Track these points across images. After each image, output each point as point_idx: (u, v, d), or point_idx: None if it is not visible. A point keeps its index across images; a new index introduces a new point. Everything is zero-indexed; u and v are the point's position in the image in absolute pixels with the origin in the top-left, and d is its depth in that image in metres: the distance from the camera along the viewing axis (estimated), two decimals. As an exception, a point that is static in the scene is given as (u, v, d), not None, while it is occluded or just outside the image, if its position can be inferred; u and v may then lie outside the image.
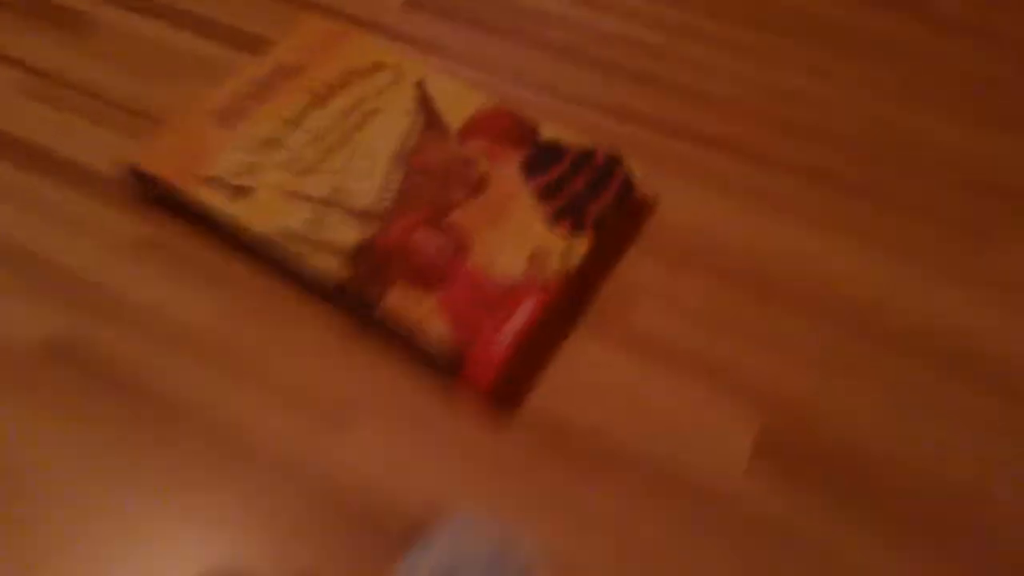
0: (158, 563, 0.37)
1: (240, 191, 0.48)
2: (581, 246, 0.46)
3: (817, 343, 0.46)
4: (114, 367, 0.43)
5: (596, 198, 0.48)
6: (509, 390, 0.43)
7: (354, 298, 0.44)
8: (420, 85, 0.54)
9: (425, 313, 0.43)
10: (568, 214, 0.47)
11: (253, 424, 0.42)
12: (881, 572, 0.38)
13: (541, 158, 0.50)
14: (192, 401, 0.42)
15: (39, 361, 0.43)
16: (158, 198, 0.50)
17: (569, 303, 0.47)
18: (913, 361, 0.45)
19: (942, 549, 0.39)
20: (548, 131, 0.52)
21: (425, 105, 0.53)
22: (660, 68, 0.60)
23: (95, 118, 0.54)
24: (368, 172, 0.49)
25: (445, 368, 0.43)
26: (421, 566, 0.34)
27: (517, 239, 0.46)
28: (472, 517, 0.36)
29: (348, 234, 0.46)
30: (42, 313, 0.45)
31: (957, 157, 0.55)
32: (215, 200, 0.47)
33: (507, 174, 0.49)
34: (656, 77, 0.59)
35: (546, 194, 0.48)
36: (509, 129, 0.52)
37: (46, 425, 0.41)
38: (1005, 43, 0.62)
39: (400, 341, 0.44)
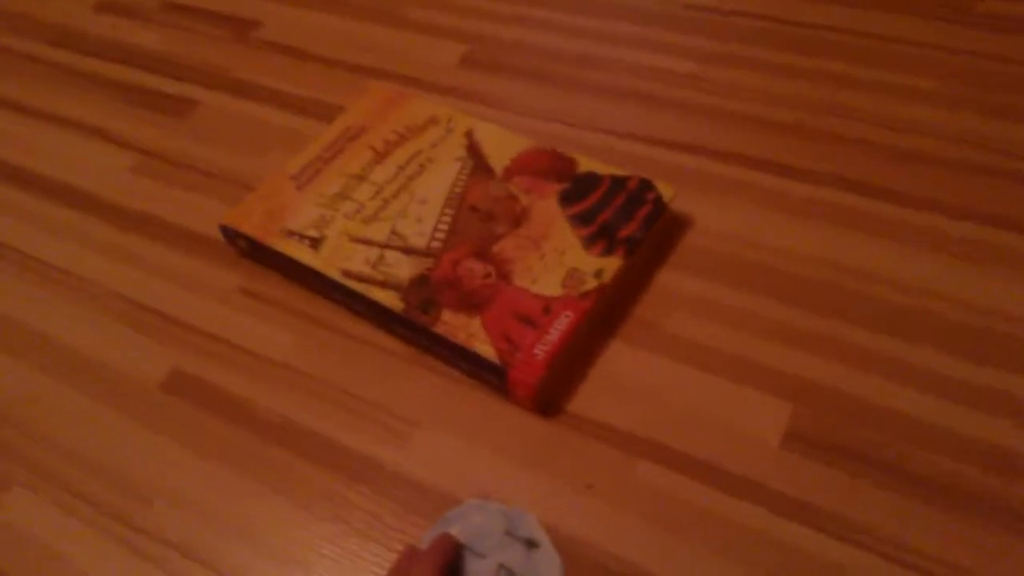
0: (267, 545, 0.43)
1: (314, 241, 0.54)
2: (613, 264, 0.50)
3: (840, 339, 0.48)
4: (220, 398, 0.50)
5: (628, 220, 0.52)
6: (550, 398, 0.48)
7: (410, 325, 0.50)
8: (469, 134, 0.60)
9: (471, 333, 0.48)
10: (601, 237, 0.52)
11: (333, 437, 0.48)
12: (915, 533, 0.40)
13: (577, 189, 0.55)
14: (284, 422, 0.49)
15: (160, 392, 0.51)
16: (248, 253, 0.57)
17: (605, 316, 0.51)
18: (931, 351, 0.46)
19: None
20: (585, 164, 0.56)
21: (473, 151, 0.59)
22: (690, 95, 0.63)
23: (196, 188, 0.63)
24: (423, 215, 0.55)
25: (493, 380, 0.48)
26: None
27: (555, 262, 0.51)
28: (481, 501, 0.41)
29: (404, 270, 0.52)
30: (160, 354, 0.53)
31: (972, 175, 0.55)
32: (294, 250, 0.54)
33: (546, 206, 0.54)
34: (686, 103, 0.63)
35: (581, 221, 0.53)
36: (548, 166, 0.57)
37: (167, 445, 0.48)
38: None
39: (453, 360, 0.50)
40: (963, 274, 0.50)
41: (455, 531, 0.40)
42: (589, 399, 0.47)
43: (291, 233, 0.55)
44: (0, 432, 0.50)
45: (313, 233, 0.55)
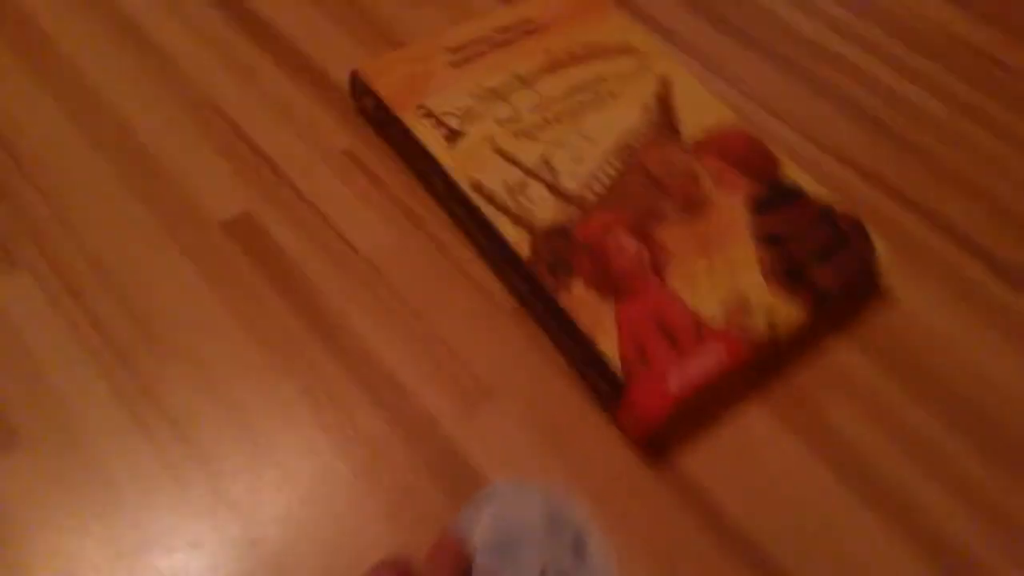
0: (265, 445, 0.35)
1: (452, 133, 0.44)
2: (793, 315, 0.40)
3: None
4: (281, 259, 0.41)
5: (826, 264, 0.42)
6: (661, 437, 0.38)
7: (530, 280, 0.40)
8: (664, 81, 0.49)
9: (599, 320, 0.38)
10: (788, 272, 0.41)
11: (388, 365, 0.38)
12: None
13: (775, 199, 0.44)
14: (338, 318, 0.39)
15: (221, 231, 0.42)
16: (371, 115, 0.47)
17: (759, 374, 0.41)
18: None
19: None
20: (791, 171, 0.45)
21: (663, 103, 0.48)
22: (938, 145, 0.52)
23: (337, 19, 0.53)
24: (584, 155, 0.45)
25: (603, 388, 0.38)
26: (476, 527, 0.30)
27: (722, 279, 0.40)
28: (522, 483, 0.31)
29: (545, 212, 0.42)
30: (238, 190, 0.44)
31: None
32: (426, 135, 0.44)
33: (732, 204, 0.44)
34: (930, 153, 0.51)
35: (770, 241, 0.42)
36: (747, 155, 0.46)
37: (206, 285, 0.40)
38: None
39: (562, 340, 0.40)
40: None
41: (486, 517, 0.30)
42: (705, 461, 0.38)
43: (429, 114, 0.45)
44: (39, 210, 0.42)
45: (454, 123, 0.45)
